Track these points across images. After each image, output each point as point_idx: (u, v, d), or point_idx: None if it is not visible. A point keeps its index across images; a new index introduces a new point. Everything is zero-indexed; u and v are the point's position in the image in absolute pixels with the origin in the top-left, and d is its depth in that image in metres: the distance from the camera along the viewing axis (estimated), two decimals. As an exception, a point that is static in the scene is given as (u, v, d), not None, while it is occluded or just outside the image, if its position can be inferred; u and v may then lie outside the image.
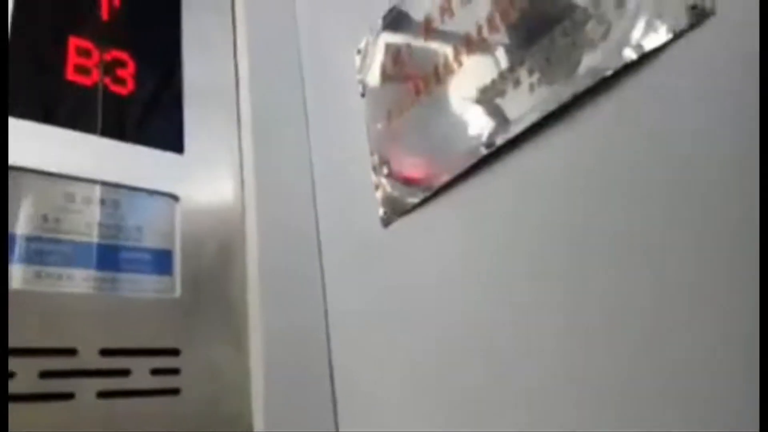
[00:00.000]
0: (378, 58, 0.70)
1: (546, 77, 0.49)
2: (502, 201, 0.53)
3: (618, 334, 0.43)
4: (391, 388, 0.62)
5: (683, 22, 0.41)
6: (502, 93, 0.53)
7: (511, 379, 0.50)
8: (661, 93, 0.42)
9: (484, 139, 0.54)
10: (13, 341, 0.53)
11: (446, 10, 0.61)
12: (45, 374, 0.54)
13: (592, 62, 0.46)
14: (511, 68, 0.52)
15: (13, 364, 0.52)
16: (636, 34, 0.43)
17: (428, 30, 0.63)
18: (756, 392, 0.33)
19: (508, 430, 0.50)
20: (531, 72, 0.50)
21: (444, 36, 0.61)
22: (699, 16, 0.40)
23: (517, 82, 0.52)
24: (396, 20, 0.68)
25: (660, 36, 0.42)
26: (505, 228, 0.53)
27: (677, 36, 0.41)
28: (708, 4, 0.40)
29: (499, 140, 0.52)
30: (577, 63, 0.46)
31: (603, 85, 0.45)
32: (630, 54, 0.43)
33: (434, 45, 0.62)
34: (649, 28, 0.43)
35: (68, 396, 0.54)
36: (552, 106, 0.48)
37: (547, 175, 0.49)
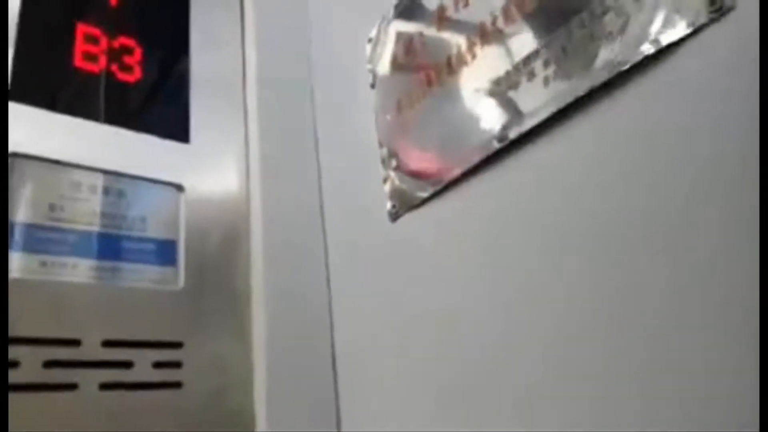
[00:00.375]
0: (389, 47, 0.69)
1: (562, 70, 0.48)
2: (514, 196, 0.53)
3: (631, 330, 0.42)
4: (394, 385, 0.62)
5: (703, 16, 0.40)
6: (516, 85, 0.52)
7: (519, 374, 0.50)
8: (679, 88, 0.42)
9: (496, 132, 0.53)
10: (19, 330, 0.53)
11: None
12: (49, 364, 0.53)
13: (609, 55, 0.45)
14: (526, 60, 0.51)
15: (18, 352, 0.52)
16: (654, 27, 0.43)
17: (441, 19, 0.62)
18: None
19: (508, 428, 0.49)
20: (546, 64, 0.49)
21: (457, 26, 0.60)
22: (718, 11, 0.40)
23: (531, 75, 0.51)
24: (408, 9, 0.67)
25: (678, 30, 0.41)
26: (517, 223, 0.52)
27: (696, 31, 0.41)
28: (728, -1, 0.39)
29: (512, 134, 0.52)
30: (594, 56, 0.46)
31: (620, 79, 0.44)
32: (648, 48, 0.43)
33: (447, 35, 0.61)
34: (668, 22, 0.42)
35: (72, 387, 0.54)
36: (568, 100, 0.47)
37: (561, 169, 0.49)
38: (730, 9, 0.39)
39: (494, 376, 0.52)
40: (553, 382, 0.47)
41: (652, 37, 0.43)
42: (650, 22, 0.43)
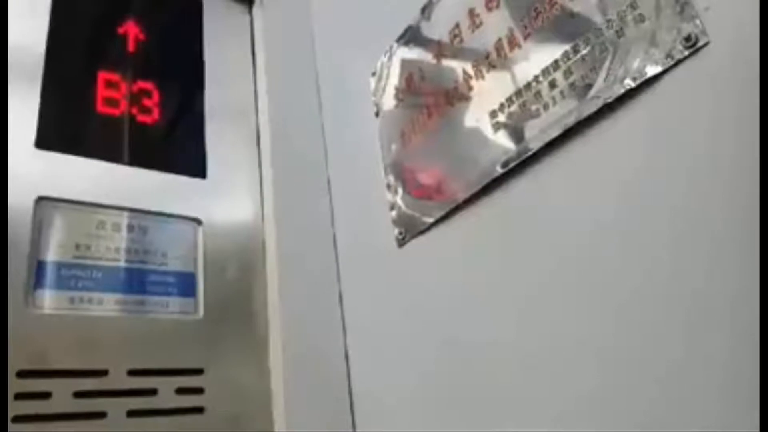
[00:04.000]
0: (392, 81, 0.72)
1: (561, 96, 0.50)
2: (517, 220, 0.55)
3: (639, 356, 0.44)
4: (410, 408, 0.64)
5: (678, 52, 0.42)
6: (518, 112, 0.54)
7: (532, 393, 0.52)
8: (659, 119, 0.44)
9: (499, 158, 0.56)
10: (50, 363, 0.57)
11: (457, 36, 0.63)
12: (78, 394, 0.57)
13: (598, 87, 0.47)
14: (527, 87, 0.54)
15: (49, 384, 0.56)
16: (635, 63, 0.45)
17: (443, 51, 0.65)
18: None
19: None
20: (547, 90, 0.52)
21: (458, 57, 0.62)
22: (693, 47, 0.42)
23: (531, 102, 0.53)
24: (411, 41, 0.70)
25: (657, 65, 0.43)
26: (521, 246, 0.54)
27: (674, 65, 0.43)
28: (701, 35, 0.41)
29: (515, 159, 0.54)
30: (589, 86, 0.48)
31: (613, 105, 0.46)
32: (629, 83, 0.45)
33: (449, 66, 0.64)
34: (647, 57, 0.44)
35: (101, 415, 0.58)
36: (569, 123, 0.49)
37: (563, 192, 0.51)
38: (705, 44, 0.41)
39: (507, 394, 0.54)
40: (564, 402, 0.49)
41: (633, 71, 0.45)
42: (631, 57, 0.45)
